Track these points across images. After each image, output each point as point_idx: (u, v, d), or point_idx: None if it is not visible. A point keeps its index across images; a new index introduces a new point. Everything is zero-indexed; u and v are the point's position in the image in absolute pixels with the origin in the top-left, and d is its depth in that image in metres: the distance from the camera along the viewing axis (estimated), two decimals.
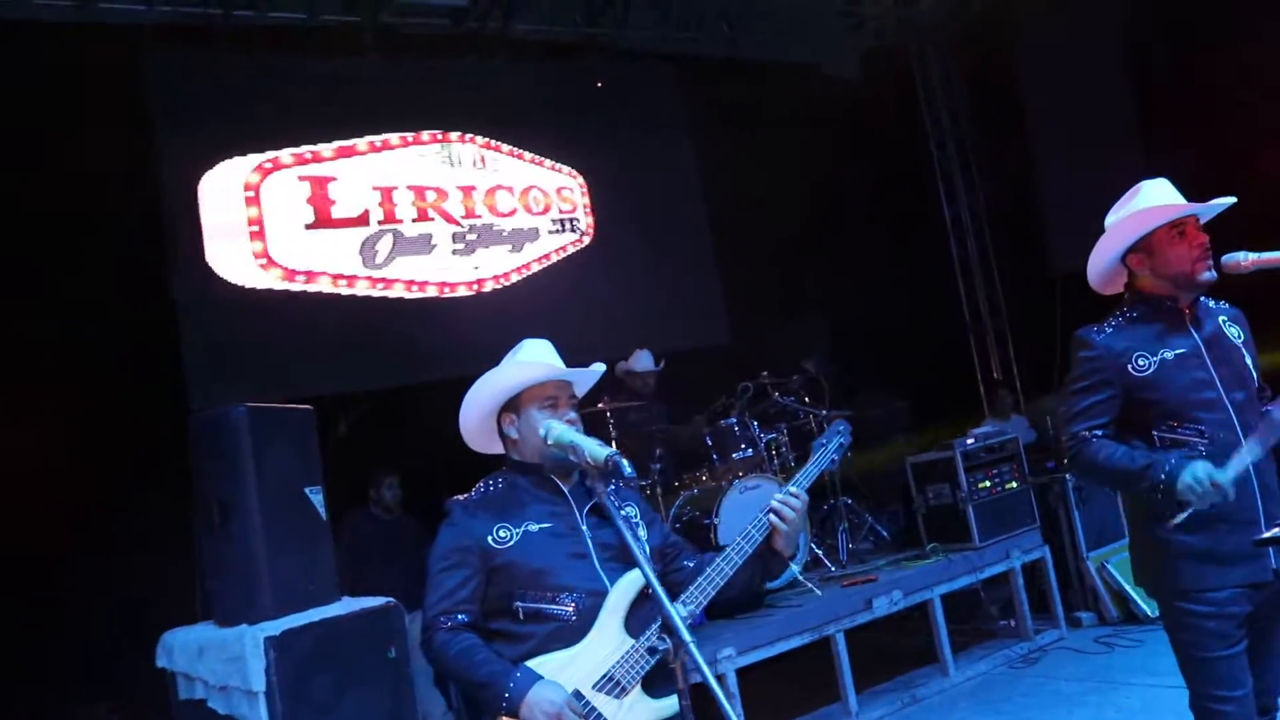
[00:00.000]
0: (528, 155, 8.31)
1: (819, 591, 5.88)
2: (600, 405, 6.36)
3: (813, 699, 5.87)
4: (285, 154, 7.06)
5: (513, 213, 8.08)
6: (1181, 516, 2.85)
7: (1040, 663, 6.29)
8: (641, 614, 2.63)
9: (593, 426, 5.59)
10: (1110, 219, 3.22)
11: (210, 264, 6.78)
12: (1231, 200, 3.11)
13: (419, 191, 7.61)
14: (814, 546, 6.50)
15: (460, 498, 2.80)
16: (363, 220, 7.30)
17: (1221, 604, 2.94)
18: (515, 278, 7.99)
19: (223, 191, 6.87)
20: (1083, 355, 3.16)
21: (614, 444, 6.29)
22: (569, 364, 2.87)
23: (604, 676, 2.55)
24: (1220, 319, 3.16)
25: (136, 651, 4.33)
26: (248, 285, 6.86)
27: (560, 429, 2.69)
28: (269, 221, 6.92)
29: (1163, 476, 2.88)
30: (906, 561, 6.42)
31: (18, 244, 5.92)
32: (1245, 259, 2.98)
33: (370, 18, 7.56)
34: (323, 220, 7.11)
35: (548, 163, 8.47)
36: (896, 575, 6.17)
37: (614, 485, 2.84)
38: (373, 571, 6.23)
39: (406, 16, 7.85)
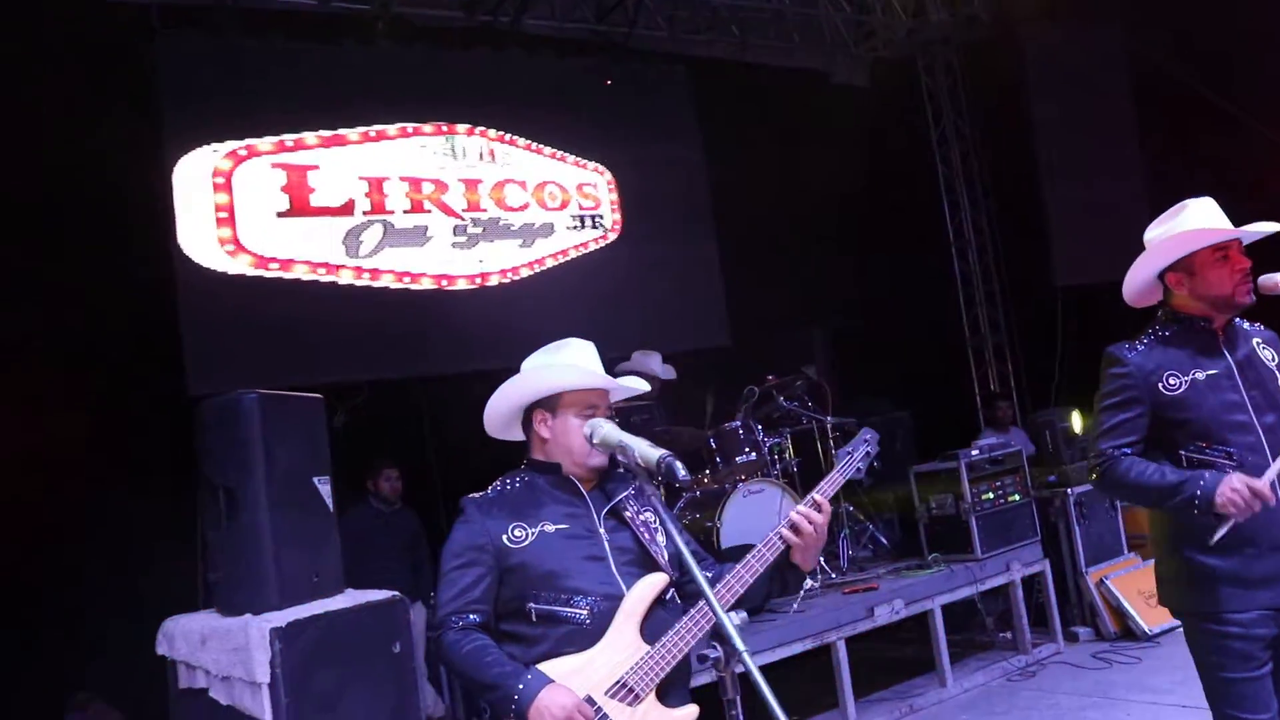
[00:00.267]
0: (547, 150, 8.26)
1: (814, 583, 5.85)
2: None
3: (811, 706, 5.84)
4: (264, 141, 6.97)
5: (524, 207, 8.02)
6: (1223, 530, 2.84)
7: (1038, 676, 6.28)
8: (656, 620, 2.58)
9: None
10: (1151, 234, 3.20)
11: (182, 248, 6.68)
12: (1277, 226, 3.08)
13: (414, 183, 7.54)
14: None
15: (476, 495, 2.75)
16: (346, 210, 7.22)
17: (1248, 626, 2.93)
18: (526, 273, 7.93)
19: (198, 178, 6.77)
20: (1113, 372, 3.13)
21: None
22: None
23: (617, 683, 2.49)
24: (1255, 341, 3.13)
25: (133, 638, 4.27)
26: (219, 270, 6.77)
27: (608, 429, 2.63)
28: (240, 208, 6.83)
29: (1198, 491, 2.86)
30: (908, 571, 6.40)
31: (14, 225, 5.84)
32: None
33: (383, 6, 7.52)
34: (299, 208, 7.02)
35: (570, 158, 8.41)
36: (898, 584, 6.15)
37: (633, 489, 2.79)
38: (371, 564, 6.16)
39: (419, 6, 7.83)
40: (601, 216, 8.49)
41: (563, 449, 2.71)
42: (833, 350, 9.45)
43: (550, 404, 2.75)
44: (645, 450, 2.48)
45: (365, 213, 7.30)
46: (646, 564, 2.67)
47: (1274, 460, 2.90)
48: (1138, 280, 3.25)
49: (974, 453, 6.70)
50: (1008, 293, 10.68)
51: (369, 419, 7.14)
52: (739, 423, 6.56)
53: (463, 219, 7.73)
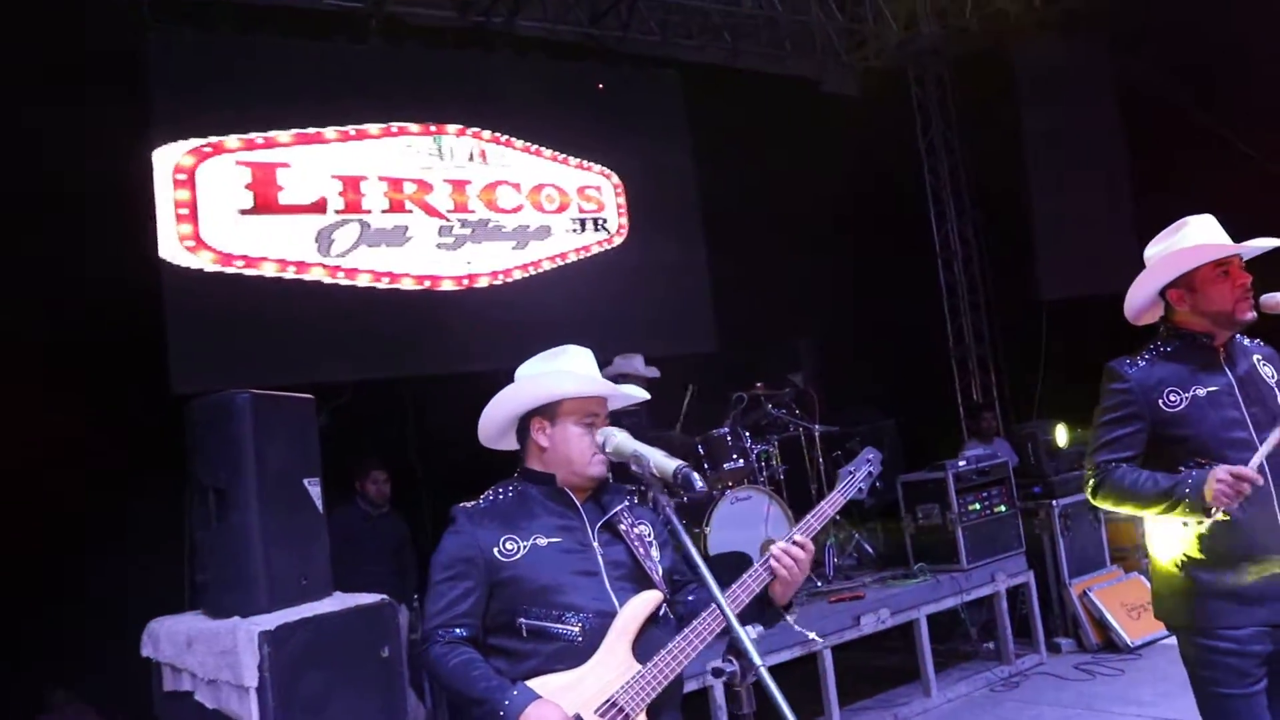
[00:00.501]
0: (547, 152, 8.24)
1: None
2: None
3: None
4: (232, 138, 6.92)
5: (517, 209, 8.00)
6: (1217, 514, 2.85)
7: (1021, 687, 6.29)
8: (649, 638, 2.51)
9: None
10: (1151, 251, 3.21)
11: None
12: (1277, 242, 3.10)
13: (394, 183, 7.50)
14: None
15: (467, 504, 2.67)
16: (318, 208, 7.17)
17: (1243, 642, 2.93)
18: (519, 275, 7.91)
19: (163, 174, 6.72)
20: (1114, 387, 3.13)
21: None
22: None
23: (607, 702, 2.41)
24: (1255, 358, 3.14)
25: (118, 639, 4.22)
26: (186, 266, 6.72)
27: (622, 438, 2.58)
28: (203, 205, 6.77)
29: (1188, 490, 2.89)
30: (894, 580, 6.40)
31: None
32: None
33: (376, 4, 7.49)
34: (264, 206, 6.96)
35: (572, 161, 8.40)
36: (884, 593, 6.15)
37: (629, 502, 2.74)
38: (357, 567, 6.11)
39: (412, 5, 7.80)
40: (605, 220, 8.48)
41: (562, 458, 2.64)
42: (820, 358, 9.46)
43: (549, 412, 2.68)
44: (661, 461, 2.43)
45: (338, 211, 7.24)
46: (640, 579, 2.60)
47: (1273, 479, 2.92)
48: (1139, 297, 3.25)
49: (961, 464, 6.71)
50: (992, 304, 10.73)
51: (353, 420, 7.09)
52: (727, 429, 6.56)
53: (448, 220, 7.69)
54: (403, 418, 7.45)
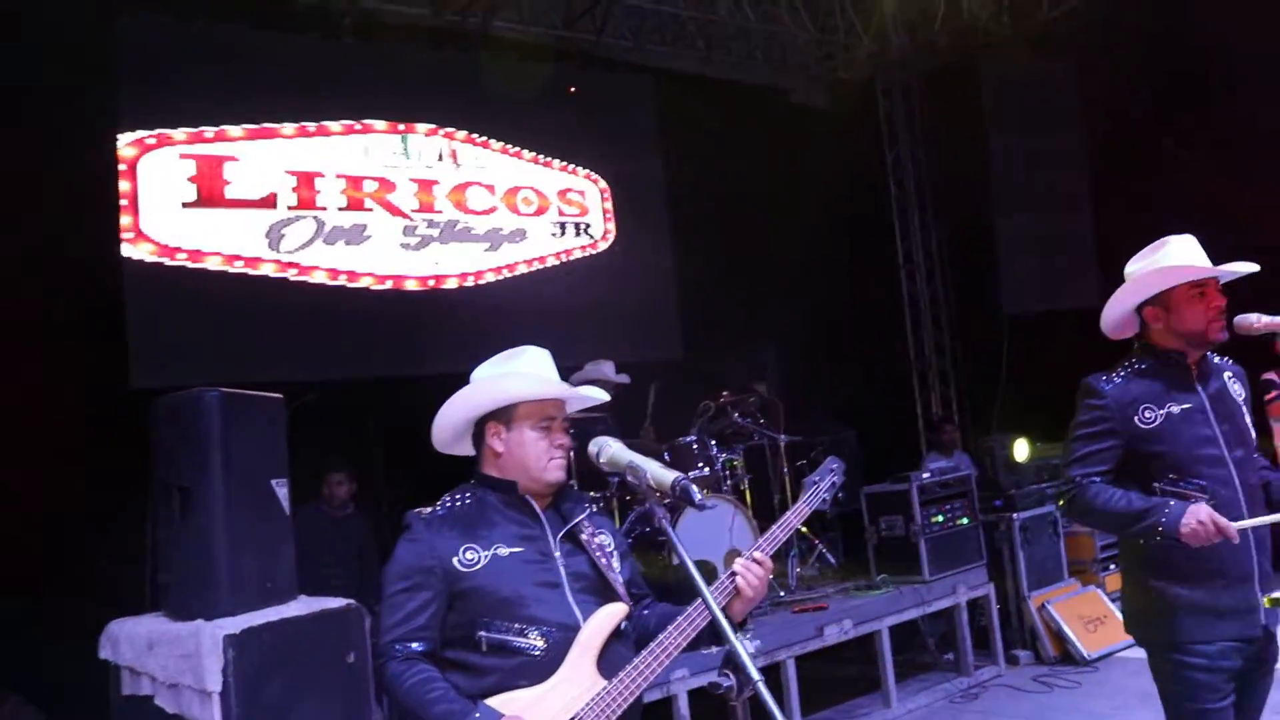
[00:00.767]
0: (527, 154, 8.20)
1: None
2: None
3: None
4: (179, 131, 6.80)
5: (490, 211, 7.95)
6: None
7: (981, 699, 6.35)
8: (613, 653, 2.41)
9: None
10: (1131, 268, 3.24)
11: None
12: (1255, 267, 3.15)
13: (354, 180, 7.42)
14: None
15: (423, 511, 2.55)
16: (267, 203, 7.08)
17: (1213, 657, 2.97)
18: (492, 278, 7.86)
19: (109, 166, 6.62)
20: (1090, 403, 3.17)
21: (573, 455, 6.17)
22: None
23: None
24: (1225, 375, 3.20)
25: (70, 639, 4.12)
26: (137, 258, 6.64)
27: (616, 447, 2.51)
28: (144, 197, 6.66)
29: (1163, 519, 2.91)
30: (856, 591, 6.43)
31: None
32: (1258, 320, 3.03)
33: (350, 0, 7.41)
34: (208, 199, 6.85)
35: (556, 163, 8.36)
36: (847, 604, 6.19)
37: (590, 510, 2.67)
38: (318, 570, 6.02)
39: (386, 3, 7.71)
40: (589, 225, 8.43)
41: (518, 463, 2.55)
42: (783, 367, 9.49)
43: (504, 415, 2.58)
44: (659, 472, 2.38)
45: (290, 207, 7.14)
46: (603, 591, 2.51)
47: (1243, 494, 2.97)
48: (1115, 312, 3.30)
49: (925, 475, 6.76)
50: (953, 318, 10.82)
51: (317, 420, 6.98)
52: (694, 437, 6.56)
53: (412, 220, 7.62)
54: (367, 418, 7.34)
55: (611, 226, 8.68)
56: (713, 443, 6.62)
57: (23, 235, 5.81)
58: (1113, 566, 7.42)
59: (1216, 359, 3.25)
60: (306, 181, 7.21)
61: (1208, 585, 2.98)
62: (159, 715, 3.72)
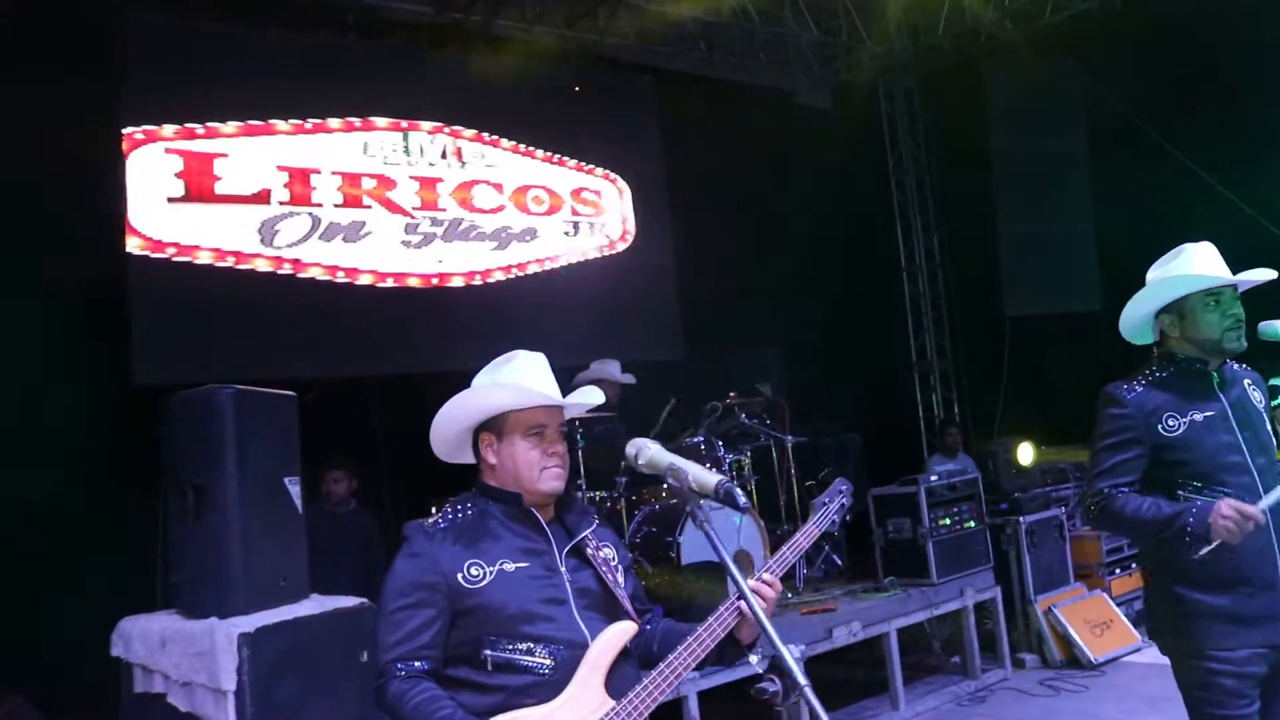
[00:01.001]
0: (540, 153, 8.14)
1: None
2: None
3: None
4: (167, 127, 6.72)
5: (498, 210, 7.89)
6: (1206, 550, 2.87)
7: (988, 702, 6.32)
8: (621, 672, 2.34)
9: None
10: (1151, 275, 3.24)
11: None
12: (1273, 274, 3.15)
13: (350, 178, 7.35)
14: None
15: (424, 523, 2.45)
16: (259, 199, 6.99)
17: (1240, 664, 2.95)
18: (501, 276, 7.81)
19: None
20: (1112, 412, 3.15)
21: (581, 455, 6.17)
22: None
23: None
24: (1245, 383, 3.20)
25: (81, 637, 4.08)
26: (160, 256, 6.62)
27: (655, 450, 2.43)
28: (131, 191, 6.58)
29: (1190, 520, 2.90)
30: (864, 593, 6.41)
31: None
32: None
33: None
34: (196, 195, 6.76)
35: (570, 162, 8.30)
36: (855, 606, 6.16)
37: (595, 523, 2.59)
38: (321, 567, 5.97)
39: (389, 0, 7.68)
40: (604, 224, 8.38)
41: (511, 474, 2.47)
42: (786, 368, 9.47)
43: (494, 426, 2.51)
44: (701, 475, 2.31)
45: (283, 203, 7.07)
46: (610, 607, 2.45)
47: (1271, 515, 2.95)
48: (1134, 318, 3.29)
49: (933, 478, 6.74)
50: (955, 320, 10.82)
51: (318, 417, 6.94)
52: (701, 439, 6.53)
53: (414, 217, 7.57)
54: (371, 416, 7.29)
55: (632, 227, 8.63)
56: (719, 443, 6.59)
57: (23, 230, 5.75)
58: (1118, 570, 7.42)
59: (1236, 365, 3.25)
60: (301, 178, 7.15)
61: (1233, 593, 2.96)
62: (171, 713, 3.69)
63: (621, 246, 8.53)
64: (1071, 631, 6.75)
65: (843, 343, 9.62)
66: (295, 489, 4.05)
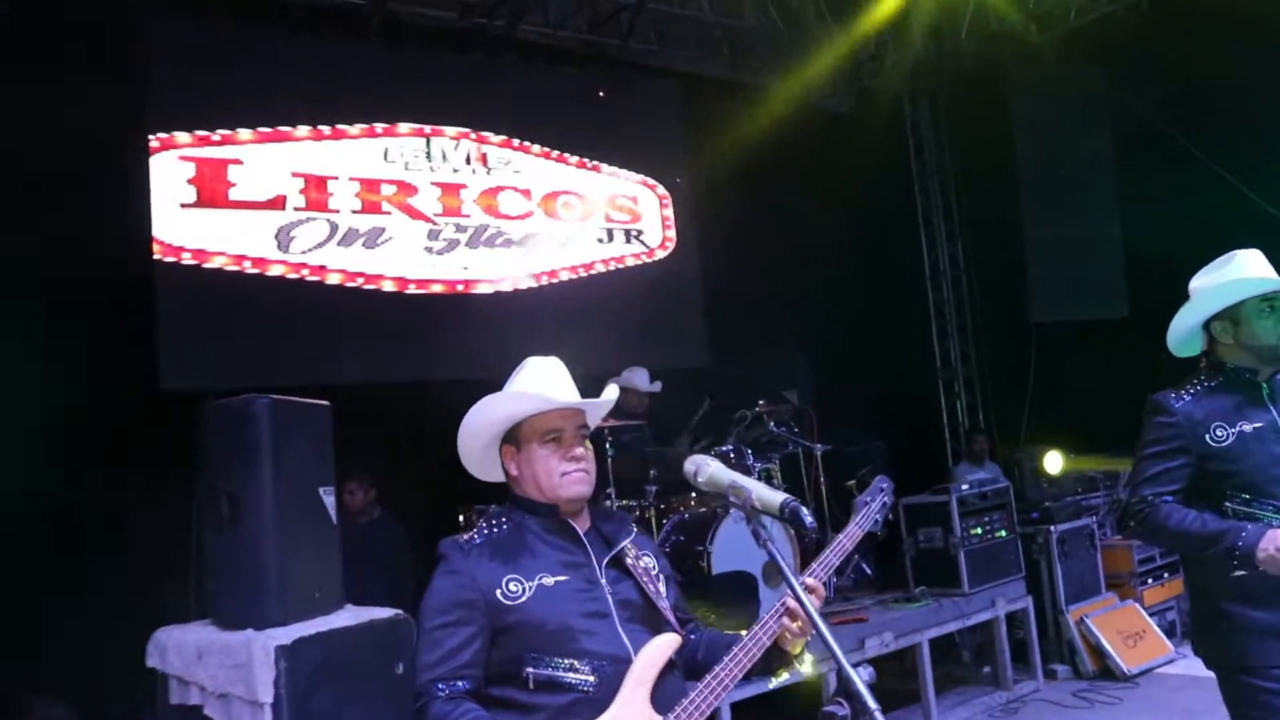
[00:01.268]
0: (572, 158, 8.10)
1: None
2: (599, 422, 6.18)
3: None
4: (183, 135, 6.71)
5: (525, 216, 7.85)
6: (1244, 571, 2.84)
7: (1020, 713, 6.25)
8: (667, 686, 2.28)
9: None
10: (1196, 283, 3.19)
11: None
12: None
13: (369, 184, 7.32)
14: None
15: (460, 539, 2.44)
16: (274, 205, 6.96)
17: None
18: (530, 283, 7.76)
19: None
20: (1159, 421, 3.10)
21: (610, 464, 6.12)
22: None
23: None
24: None
25: (117, 646, 4.04)
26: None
27: (715, 467, 2.38)
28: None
29: (1239, 543, 2.85)
30: (895, 603, 6.35)
31: None
32: None
33: (377, 3, 7.36)
34: (209, 200, 6.73)
35: (605, 168, 8.26)
36: (887, 616, 6.11)
37: (634, 532, 2.55)
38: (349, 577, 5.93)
39: (413, 5, 7.66)
40: (641, 231, 8.32)
41: (533, 484, 2.46)
42: (810, 375, 9.41)
43: (513, 437, 2.49)
44: (765, 494, 2.26)
45: (298, 209, 7.04)
46: (652, 619, 2.41)
47: None
48: (1182, 328, 3.24)
49: (964, 487, 6.68)
50: (980, 326, 10.75)
51: (343, 425, 6.90)
52: (730, 447, 6.48)
53: (436, 224, 7.53)
54: (397, 424, 7.25)
55: (672, 234, 8.60)
56: (749, 451, 6.54)
57: (53, 237, 5.75)
58: (1150, 580, 7.33)
59: None
60: (317, 184, 7.11)
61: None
62: None
63: (661, 254, 8.48)
64: (1104, 642, 6.68)
65: (867, 349, 9.56)
66: (330, 499, 4.00)
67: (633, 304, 8.29)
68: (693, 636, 2.52)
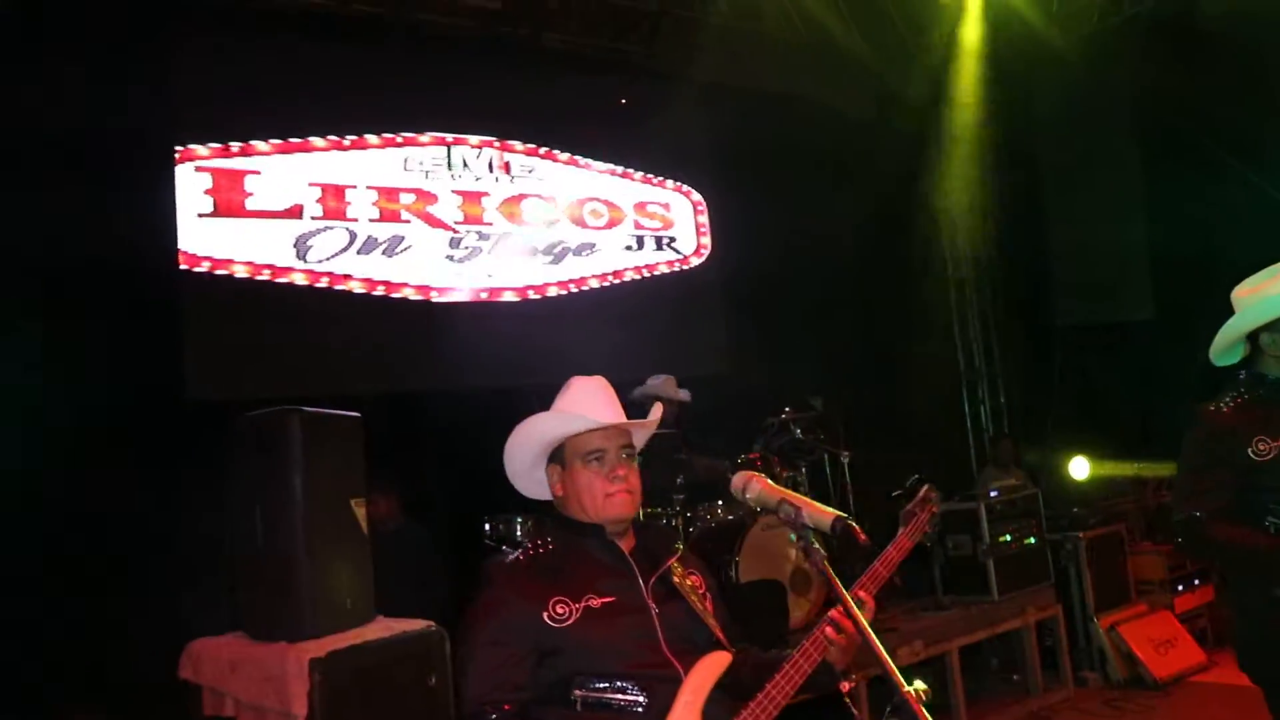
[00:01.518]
0: (600, 165, 8.08)
1: None
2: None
3: None
4: (203, 147, 6.72)
5: (552, 223, 7.86)
6: None
7: None
8: (717, 706, 2.26)
9: None
10: (1240, 294, 3.15)
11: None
12: None
13: (387, 192, 7.30)
14: None
15: (505, 560, 2.45)
16: (292, 214, 6.95)
17: None
18: (556, 292, 7.76)
19: None
20: (1200, 435, 3.08)
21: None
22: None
23: None
24: None
25: (151, 657, 4.07)
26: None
27: (764, 485, 2.38)
28: None
29: None
30: (924, 611, 6.31)
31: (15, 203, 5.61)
32: None
33: (400, 11, 7.37)
34: (225, 210, 6.72)
35: (636, 175, 8.23)
36: (916, 624, 6.08)
37: (679, 550, 2.55)
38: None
39: (436, 14, 7.67)
40: (672, 238, 8.29)
41: (577, 504, 2.46)
42: (830, 381, 9.35)
43: (559, 457, 2.51)
44: (815, 513, 2.24)
45: (315, 218, 7.04)
46: (701, 638, 2.40)
47: None
48: (1227, 339, 3.20)
49: (993, 493, 6.63)
50: (1004, 330, 10.68)
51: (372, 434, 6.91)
52: (758, 455, 6.45)
53: (458, 232, 7.53)
54: (421, 432, 7.25)
55: (706, 241, 8.58)
56: (776, 460, 6.51)
57: (80, 247, 5.79)
58: (1181, 587, 7.25)
59: None
60: (335, 193, 7.11)
61: None
62: None
63: (696, 261, 8.45)
64: (1134, 650, 6.62)
65: (890, 353, 9.52)
66: (361, 511, 4.02)
67: (658, 311, 8.26)
68: (741, 657, 2.49)
